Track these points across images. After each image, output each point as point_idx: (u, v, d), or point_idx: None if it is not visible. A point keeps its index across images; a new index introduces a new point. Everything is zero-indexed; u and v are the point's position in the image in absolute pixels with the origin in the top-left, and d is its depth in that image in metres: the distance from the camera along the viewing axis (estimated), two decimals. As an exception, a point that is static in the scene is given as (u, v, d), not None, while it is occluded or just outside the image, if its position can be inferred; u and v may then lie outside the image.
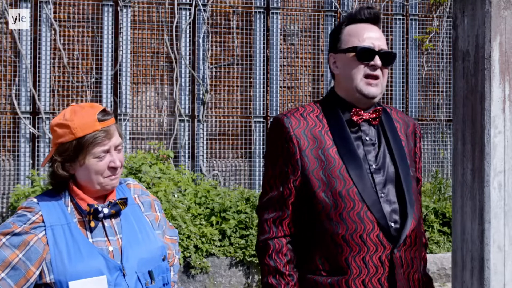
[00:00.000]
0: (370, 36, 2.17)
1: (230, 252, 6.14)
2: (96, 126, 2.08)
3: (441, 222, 7.00)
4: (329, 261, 2.10)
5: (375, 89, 2.15)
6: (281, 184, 2.14)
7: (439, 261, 6.60)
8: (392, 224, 2.10)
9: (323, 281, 2.10)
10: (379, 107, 2.20)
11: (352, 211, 2.08)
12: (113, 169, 2.11)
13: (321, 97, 5.14)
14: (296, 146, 2.12)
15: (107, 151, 2.10)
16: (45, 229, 2.04)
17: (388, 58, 2.17)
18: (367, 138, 2.18)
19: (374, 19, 2.22)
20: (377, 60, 2.14)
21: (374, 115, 2.19)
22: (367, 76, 2.15)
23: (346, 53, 2.17)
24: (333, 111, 2.19)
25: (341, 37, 2.21)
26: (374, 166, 2.15)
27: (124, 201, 2.15)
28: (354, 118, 2.17)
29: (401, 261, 2.10)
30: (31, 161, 7.05)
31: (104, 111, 2.12)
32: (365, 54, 2.14)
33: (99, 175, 2.10)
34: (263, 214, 2.18)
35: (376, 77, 2.15)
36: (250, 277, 6.13)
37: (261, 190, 2.22)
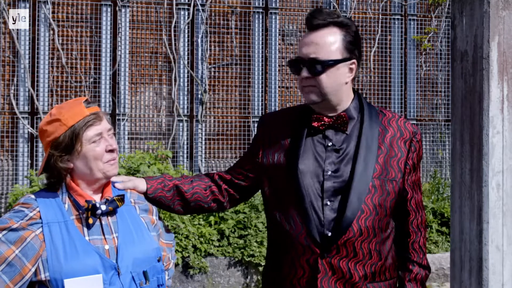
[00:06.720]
0: (302, 46, 2.19)
1: (228, 252, 6.13)
2: (85, 112, 2.11)
3: (439, 222, 7.00)
4: (273, 259, 2.28)
5: (311, 96, 2.19)
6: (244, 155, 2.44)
7: (437, 261, 6.60)
8: (329, 233, 2.13)
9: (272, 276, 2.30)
10: (342, 113, 2.21)
11: (293, 213, 2.18)
12: (111, 152, 2.13)
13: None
14: (260, 150, 2.34)
15: (101, 135, 2.13)
16: (42, 226, 2.03)
17: (313, 66, 2.15)
18: (330, 144, 2.21)
19: (323, 25, 2.17)
20: (304, 73, 2.17)
21: (339, 122, 2.21)
22: (303, 86, 2.21)
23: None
24: (301, 117, 2.28)
25: None
26: (329, 172, 2.17)
27: (121, 198, 2.15)
28: (315, 124, 2.22)
29: (331, 268, 2.13)
30: (29, 161, 7.04)
31: (87, 100, 2.16)
32: (292, 68, 2.22)
33: (98, 160, 2.11)
34: None
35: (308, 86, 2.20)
36: (249, 277, 6.13)
37: None
